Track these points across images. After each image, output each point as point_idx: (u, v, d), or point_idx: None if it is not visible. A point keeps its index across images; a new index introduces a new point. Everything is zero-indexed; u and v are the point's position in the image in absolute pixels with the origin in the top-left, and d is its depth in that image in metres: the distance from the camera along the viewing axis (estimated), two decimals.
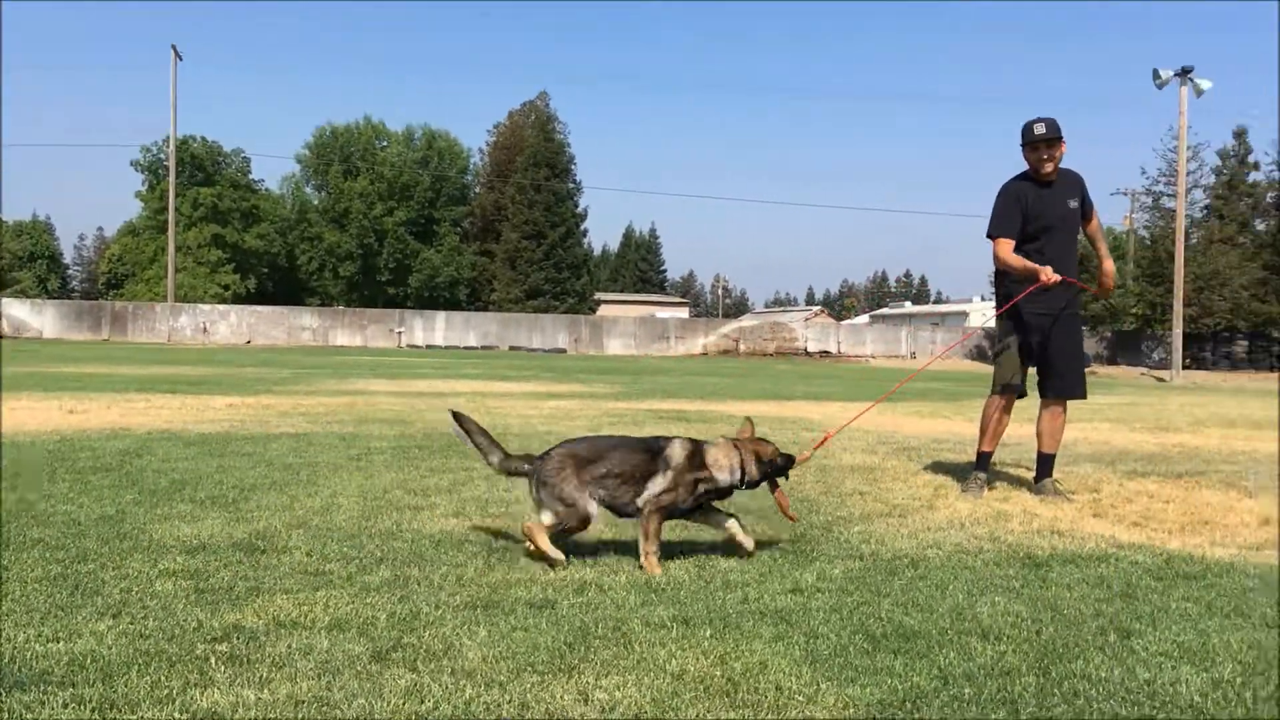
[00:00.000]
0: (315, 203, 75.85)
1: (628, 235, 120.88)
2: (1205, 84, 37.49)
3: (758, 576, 4.17)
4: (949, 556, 4.63)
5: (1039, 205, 6.30)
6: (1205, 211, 55.19)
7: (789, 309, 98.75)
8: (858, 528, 5.27)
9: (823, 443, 5.31)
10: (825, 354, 60.81)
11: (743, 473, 4.47)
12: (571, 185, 71.34)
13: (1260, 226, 55.60)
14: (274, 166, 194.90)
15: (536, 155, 69.07)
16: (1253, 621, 3.64)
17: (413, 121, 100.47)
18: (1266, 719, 2.72)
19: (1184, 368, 41.50)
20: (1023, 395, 6.57)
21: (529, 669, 3.01)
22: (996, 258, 6.34)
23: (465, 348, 57.36)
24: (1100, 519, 5.78)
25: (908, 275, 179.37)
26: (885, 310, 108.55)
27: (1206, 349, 54.38)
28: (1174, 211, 43.44)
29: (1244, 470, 8.01)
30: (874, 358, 60.12)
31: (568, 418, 11.65)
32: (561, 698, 2.80)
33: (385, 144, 75.56)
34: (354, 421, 10.26)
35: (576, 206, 71.69)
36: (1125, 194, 67.23)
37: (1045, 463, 6.61)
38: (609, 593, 3.85)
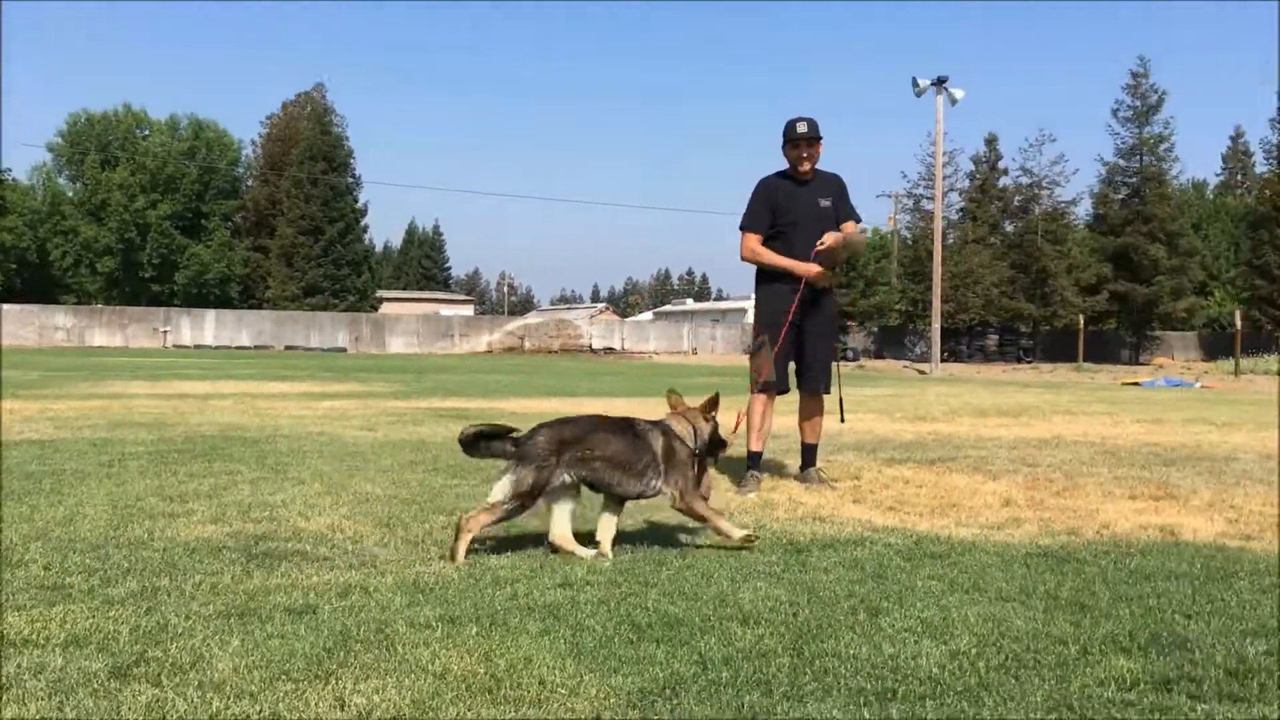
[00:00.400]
0: (70, 194, 71.08)
1: (411, 232, 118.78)
2: (959, 93, 39.95)
3: (529, 572, 4.16)
4: (716, 546, 4.74)
5: (791, 201, 6.47)
6: (961, 214, 58.82)
7: (574, 306, 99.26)
8: (630, 521, 5.33)
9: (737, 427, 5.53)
10: (610, 350, 61.48)
11: (695, 439, 4.75)
12: (351, 179, 69.48)
13: (1009, 228, 59.75)
14: (22, 155, 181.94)
15: (313, 148, 66.93)
16: (989, 596, 3.89)
17: (178, 110, 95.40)
18: (997, 686, 2.90)
19: (942, 360, 44.10)
20: (784, 391, 6.71)
21: (283, 677, 2.90)
22: (744, 250, 6.54)
23: (238, 347, 55.08)
24: (859, 504, 6.05)
25: (690, 273, 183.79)
26: (668, 308, 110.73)
27: (963, 343, 58.09)
28: (932, 213, 46.03)
29: (990, 455, 8.56)
30: (657, 354, 61.26)
31: (342, 418, 11.35)
32: (316, 705, 2.71)
33: (147, 133, 71.57)
34: (108, 426, 9.69)
35: (356, 202, 69.87)
36: (889, 196, 70.95)
37: (808, 453, 6.86)
38: (374, 595, 3.76)
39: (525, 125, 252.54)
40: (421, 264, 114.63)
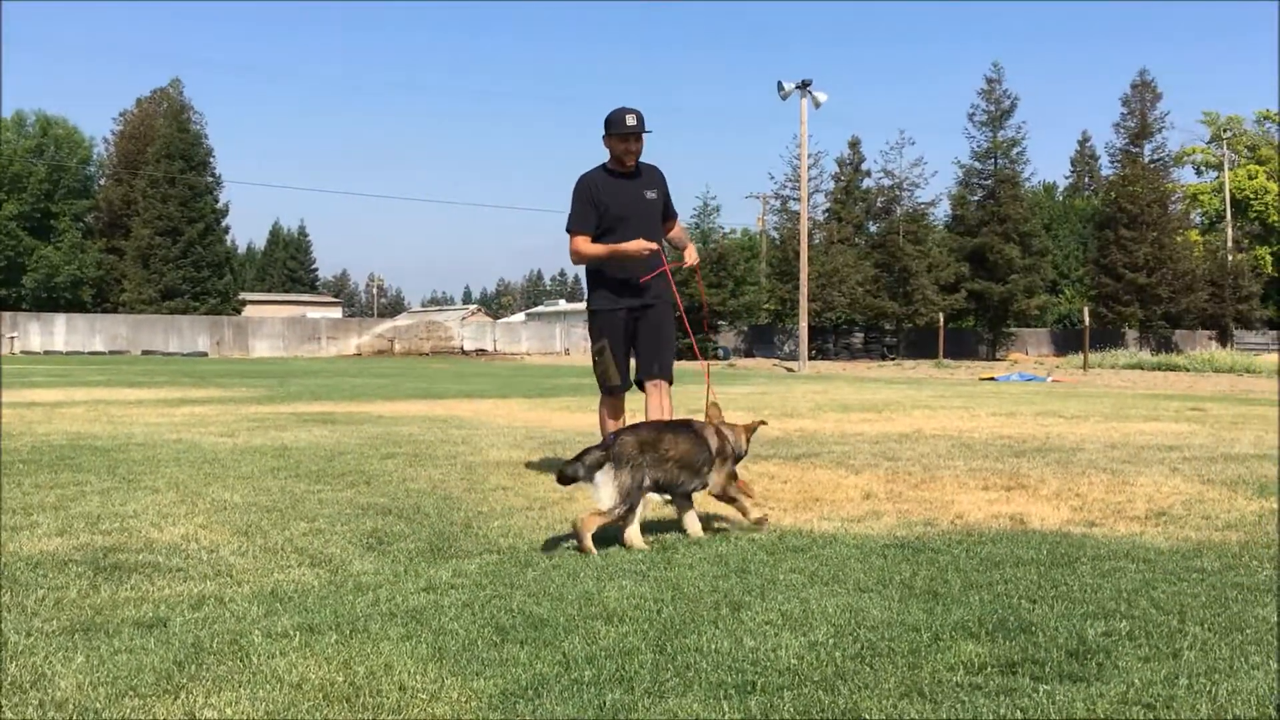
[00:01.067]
0: None
1: (275, 233, 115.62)
2: (822, 96, 40.79)
3: (391, 577, 4.10)
4: (592, 543, 4.74)
5: (616, 195, 6.15)
6: (827, 214, 60.06)
7: (445, 308, 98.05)
8: (498, 522, 5.30)
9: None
10: (482, 352, 60.97)
11: (740, 445, 5.29)
12: (210, 179, 67.24)
13: (873, 228, 61.28)
14: None
15: (169, 146, 64.56)
16: (848, 587, 3.99)
17: (24, 106, 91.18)
18: (853, 675, 2.98)
19: (810, 358, 45.00)
20: (628, 388, 6.40)
21: (130, 693, 2.79)
22: (574, 253, 6.16)
23: (91, 353, 52.90)
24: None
25: (562, 274, 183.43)
26: (540, 308, 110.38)
27: (830, 341, 59.36)
28: (799, 214, 46.89)
29: (853, 450, 8.77)
30: (529, 355, 60.99)
31: (201, 425, 11.00)
32: None
33: None
34: None
35: (216, 202, 67.62)
36: (757, 198, 72.09)
37: None
38: (229, 605, 3.66)
39: (392, 123, 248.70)
40: (286, 265, 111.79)
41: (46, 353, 51.67)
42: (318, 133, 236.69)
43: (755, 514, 5.16)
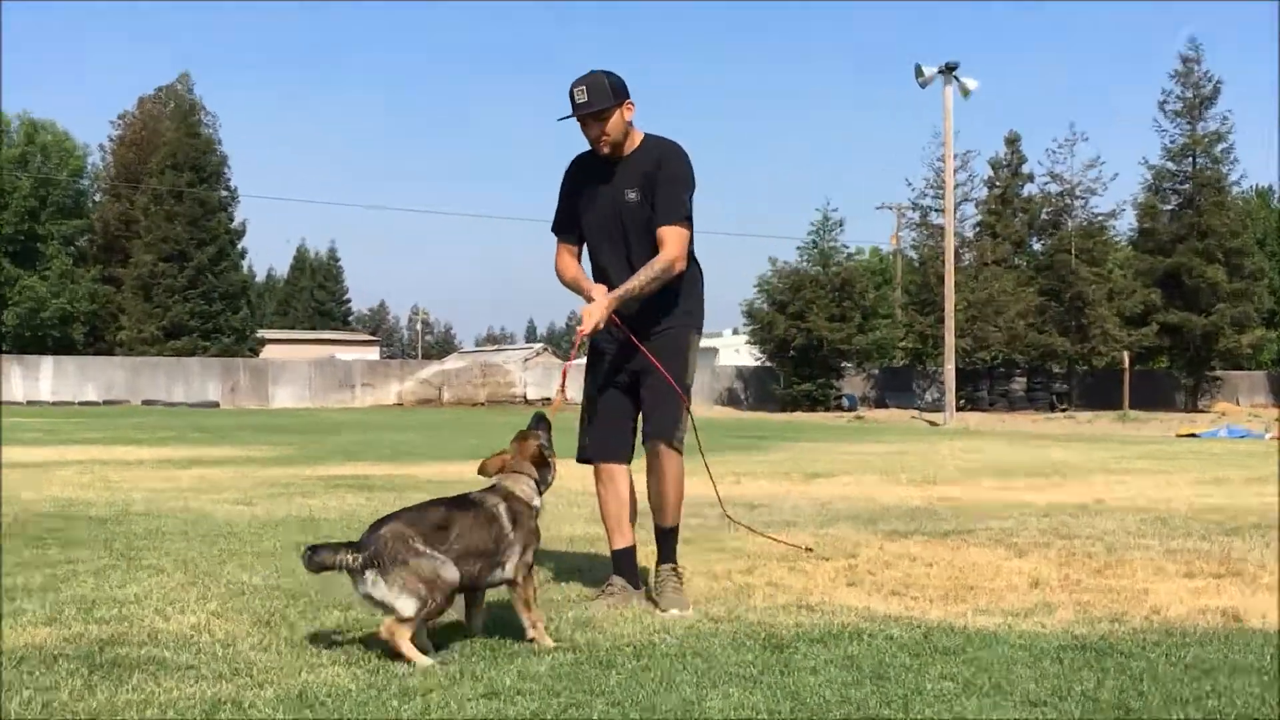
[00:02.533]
0: None
1: (300, 258, 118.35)
2: (972, 84, 40.63)
3: (444, 680, 4.14)
4: (680, 642, 4.75)
5: (590, 192, 5.69)
6: (978, 229, 59.58)
7: (505, 348, 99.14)
8: (572, 613, 5.33)
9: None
10: (548, 401, 61.48)
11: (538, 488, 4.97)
12: (225, 193, 69.13)
13: (1037, 246, 60.55)
14: None
15: (176, 154, 66.65)
16: (1014, 699, 3.92)
17: (7, 109, 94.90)
18: None
19: (958, 409, 44.54)
20: (609, 459, 5.82)
21: None
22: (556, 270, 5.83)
23: (83, 403, 54.46)
24: (855, 588, 6.07)
25: None
26: None
27: (982, 387, 58.65)
28: (943, 229, 46.54)
29: (1016, 525, 8.64)
30: None
31: (213, 490, 11.26)
32: None
33: None
34: None
35: (231, 220, 69.47)
36: (890, 209, 71.86)
37: (661, 541, 5.76)
38: (250, 710, 3.73)
39: (441, 125, 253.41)
40: (314, 297, 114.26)
41: (30, 403, 53.29)
42: (352, 136, 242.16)
43: (542, 636, 4.70)
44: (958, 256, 51.31)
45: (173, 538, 7.74)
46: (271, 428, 29.39)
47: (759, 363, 62.44)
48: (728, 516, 6.96)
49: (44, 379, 56.38)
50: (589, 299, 5.54)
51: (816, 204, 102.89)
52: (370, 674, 4.23)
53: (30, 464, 14.63)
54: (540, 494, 4.97)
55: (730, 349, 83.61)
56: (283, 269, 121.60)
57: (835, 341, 55.61)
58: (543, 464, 5.01)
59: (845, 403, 56.99)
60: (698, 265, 5.79)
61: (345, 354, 76.15)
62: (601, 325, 5.47)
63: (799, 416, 50.88)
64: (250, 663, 4.38)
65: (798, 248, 61.83)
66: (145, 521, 8.62)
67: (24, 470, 13.51)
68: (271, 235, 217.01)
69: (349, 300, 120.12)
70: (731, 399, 62.74)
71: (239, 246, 70.73)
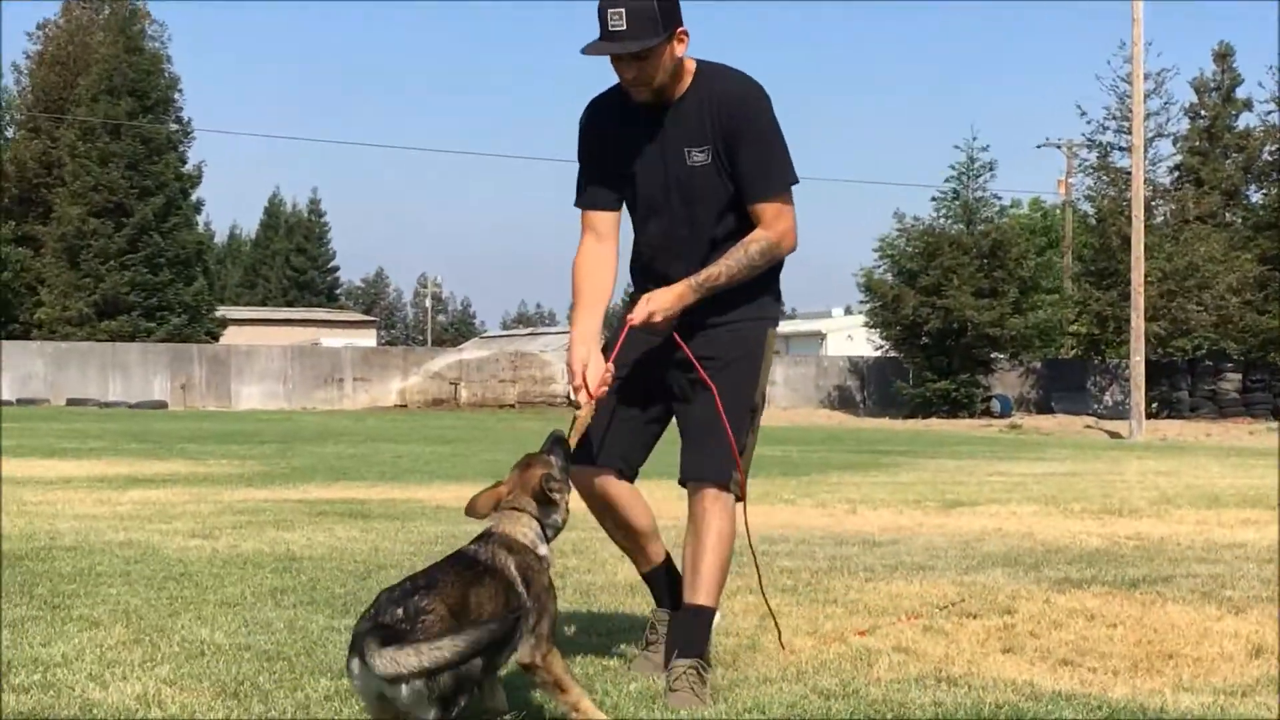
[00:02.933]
0: None
1: (273, 211, 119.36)
2: None
3: None
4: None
5: (631, 152, 5.47)
6: (1176, 174, 58.92)
7: (541, 331, 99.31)
8: (635, 685, 5.33)
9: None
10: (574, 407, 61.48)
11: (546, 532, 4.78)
12: (175, 127, 69.85)
13: (1257, 197, 59.73)
14: None
15: (112, 76, 67.37)
16: None
17: None
18: None
19: (1148, 415, 44.15)
20: (610, 470, 5.69)
21: None
22: None
23: None
24: (1012, 655, 6.02)
25: None
26: None
27: (1182, 386, 58.03)
28: (1129, 174, 46.07)
29: (1229, 572, 8.54)
30: None
31: (161, 517, 11.38)
32: None
33: None
34: None
35: (184, 163, 70.21)
36: (1058, 146, 71.29)
37: (686, 625, 5.42)
38: None
39: (456, 35, 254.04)
40: (290, 263, 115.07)
41: None
42: (339, 52, 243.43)
43: (585, 707, 4.66)
44: (1149, 211, 50.77)
45: (110, 580, 7.81)
46: (236, 436, 29.66)
47: (880, 353, 62.26)
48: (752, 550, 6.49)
49: None
50: (574, 350, 5.28)
51: (958, 139, 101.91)
52: None
53: None
54: (548, 540, 4.79)
55: (841, 334, 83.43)
56: (250, 227, 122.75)
57: (983, 324, 55.29)
58: (546, 501, 4.81)
59: (996, 406, 56.71)
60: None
61: (332, 339, 76.75)
62: (665, 322, 5.31)
63: (934, 424, 50.65)
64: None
65: (933, 199, 61.50)
66: (74, 559, 8.70)
67: None
68: (235, 182, 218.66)
69: (336, 269, 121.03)
70: (843, 401, 62.65)
71: (193, 198, 71.43)
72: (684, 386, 5.50)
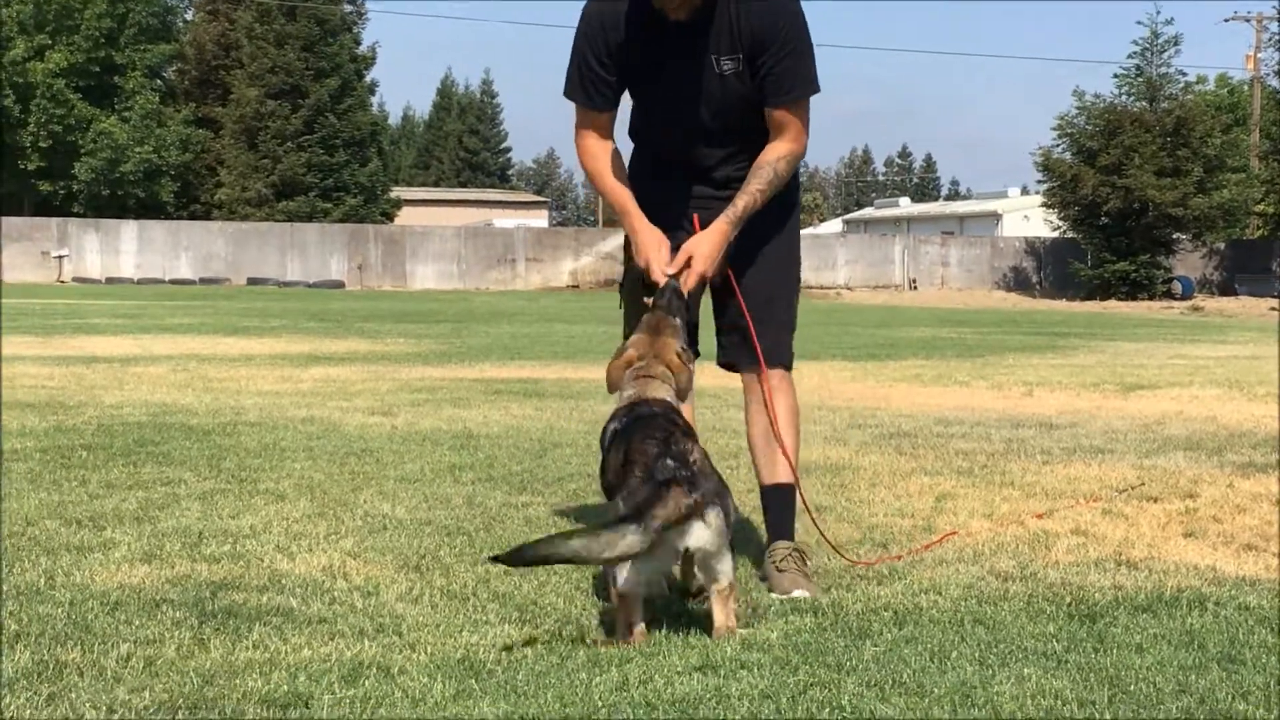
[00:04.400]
0: None
1: (445, 91, 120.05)
2: None
3: (647, 648, 4.21)
4: (954, 606, 4.75)
5: (653, 62, 5.37)
6: None
7: None
8: (811, 564, 5.35)
9: None
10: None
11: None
12: (350, 7, 70.35)
13: None
14: None
15: None
16: None
17: None
18: None
19: None
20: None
21: None
22: (576, 148, 5.65)
23: (173, 281, 56.47)
24: (1194, 539, 5.99)
25: (906, 155, 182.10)
26: (868, 212, 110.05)
27: None
28: None
29: None
30: (849, 289, 61.01)
31: (341, 395, 11.61)
32: None
33: None
34: None
35: (358, 44, 70.76)
36: (1247, 19, 69.19)
37: (774, 505, 5.50)
38: (400, 679, 3.86)
39: None
40: (463, 144, 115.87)
41: (109, 280, 55.44)
42: None
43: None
44: None
45: (294, 456, 8.03)
46: (412, 315, 30.08)
47: (1058, 234, 61.36)
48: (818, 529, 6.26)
49: (126, 250, 58.33)
50: (637, 240, 5.33)
51: (1141, 14, 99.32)
52: (549, 635, 4.34)
53: (112, 359, 15.28)
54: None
55: (1018, 215, 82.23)
56: (423, 108, 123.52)
57: (1165, 204, 54.20)
58: (679, 369, 4.88)
59: (1177, 288, 55.69)
60: None
61: (504, 220, 77.15)
62: (715, 275, 5.33)
63: (1113, 306, 49.93)
64: (397, 617, 4.54)
65: (1115, 75, 60.23)
66: (259, 434, 8.94)
67: (105, 366, 14.12)
68: (409, 63, 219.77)
69: (509, 150, 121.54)
70: (1019, 282, 61.91)
71: (367, 79, 72.01)
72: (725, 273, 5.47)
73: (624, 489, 4.37)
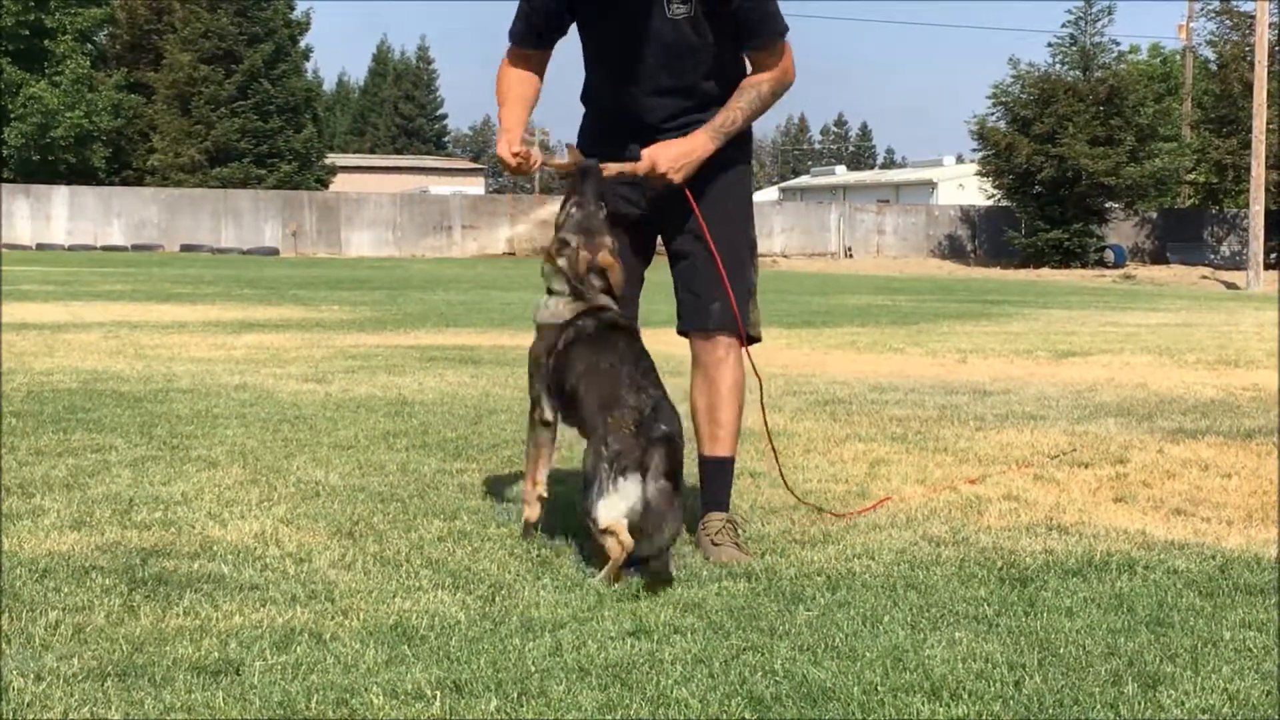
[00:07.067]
0: None
1: (380, 57, 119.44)
2: None
3: (581, 611, 4.22)
4: (887, 571, 4.78)
5: (601, 6, 5.27)
6: None
7: None
8: (750, 528, 5.37)
9: None
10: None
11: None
12: None
13: None
14: None
15: None
16: None
17: None
18: None
19: (1267, 266, 43.44)
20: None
21: None
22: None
23: (105, 248, 56.05)
24: (1124, 504, 6.04)
25: (842, 123, 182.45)
26: (804, 180, 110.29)
27: None
28: (1253, 18, 45.00)
29: None
30: (785, 256, 61.17)
31: (275, 361, 11.56)
32: None
33: None
34: None
35: (292, 9, 70.26)
36: None
37: (712, 477, 5.44)
38: (332, 645, 3.86)
39: None
40: (399, 111, 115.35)
41: (39, 247, 55.01)
42: None
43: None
44: (1273, 56, 49.60)
45: (227, 422, 7.98)
46: (347, 282, 29.98)
47: (992, 201, 61.71)
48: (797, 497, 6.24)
49: (57, 216, 57.93)
50: (503, 141, 5.38)
51: None
52: (483, 601, 4.33)
53: (43, 325, 15.14)
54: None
55: (953, 183, 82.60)
56: (358, 74, 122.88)
57: (1098, 173, 54.61)
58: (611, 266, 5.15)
59: (1110, 256, 56.11)
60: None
61: (440, 187, 76.88)
62: (682, 183, 5.22)
63: (1045, 274, 50.31)
64: (330, 583, 4.52)
65: (1049, 44, 60.60)
66: (191, 401, 8.88)
67: (36, 333, 13.99)
68: (344, 29, 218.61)
69: (444, 116, 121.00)
70: (954, 250, 62.24)
71: (301, 44, 71.55)
72: (681, 232, 5.40)
73: (613, 438, 4.66)
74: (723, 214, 5.39)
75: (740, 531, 5.27)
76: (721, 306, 5.33)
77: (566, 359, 4.96)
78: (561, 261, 5.08)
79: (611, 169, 5.20)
